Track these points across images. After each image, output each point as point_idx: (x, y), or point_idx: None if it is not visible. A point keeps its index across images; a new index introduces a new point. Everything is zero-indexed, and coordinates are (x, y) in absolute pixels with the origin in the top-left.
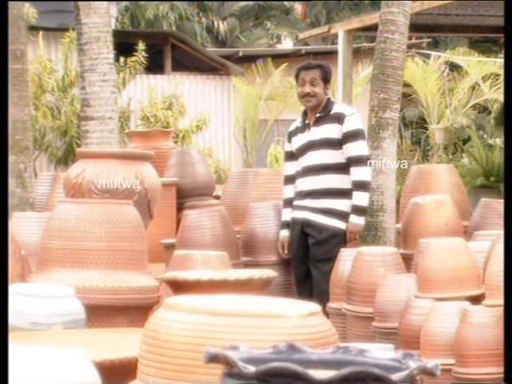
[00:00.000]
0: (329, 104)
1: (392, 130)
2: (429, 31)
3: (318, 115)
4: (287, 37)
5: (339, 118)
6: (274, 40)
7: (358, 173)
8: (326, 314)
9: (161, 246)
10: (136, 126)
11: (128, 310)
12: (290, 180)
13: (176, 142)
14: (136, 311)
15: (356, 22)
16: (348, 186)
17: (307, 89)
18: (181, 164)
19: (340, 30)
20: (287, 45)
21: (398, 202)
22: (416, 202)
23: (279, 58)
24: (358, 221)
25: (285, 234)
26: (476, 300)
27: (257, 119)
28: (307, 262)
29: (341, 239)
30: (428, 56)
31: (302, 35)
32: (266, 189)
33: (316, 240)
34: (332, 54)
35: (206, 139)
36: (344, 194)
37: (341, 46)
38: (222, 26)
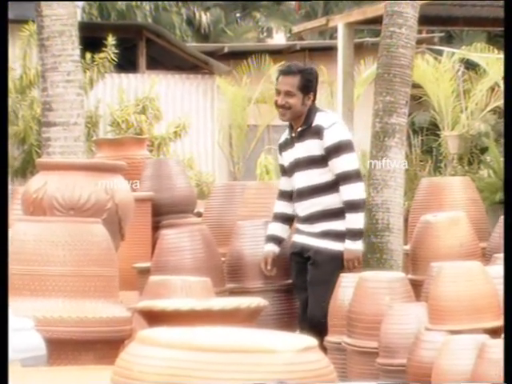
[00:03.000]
0: (310, 114)
1: (399, 138)
2: (441, 24)
3: (299, 129)
4: (279, 30)
5: (319, 132)
6: (265, 34)
7: (347, 191)
8: (324, 348)
9: (134, 271)
10: (105, 132)
11: (96, 345)
12: (282, 195)
13: (151, 151)
14: (105, 346)
15: (358, 14)
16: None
17: (281, 100)
18: (157, 176)
19: (339, 22)
20: (279, 39)
21: (406, 221)
22: (427, 220)
23: (270, 54)
24: (353, 246)
25: (270, 248)
26: (495, 333)
27: (245, 125)
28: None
29: (338, 262)
30: (440, 53)
31: (296, 28)
32: (255, 205)
33: (312, 261)
34: (330, 51)
35: (186, 148)
36: (341, 213)
37: (341, 42)
38: (205, 18)
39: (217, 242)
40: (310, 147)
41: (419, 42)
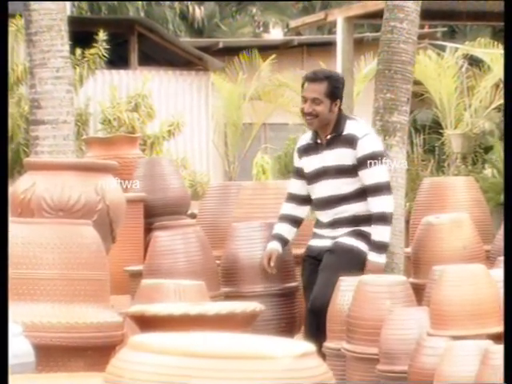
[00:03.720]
0: (341, 122)
1: (400, 137)
2: (444, 19)
3: (329, 136)
4: (276, 25)
5: (352, 141)
6: (261, 29)
7: (378, 203)
8: (323, 354)
9: (125, 275)
10: (96, 131)
11: (86, 351)
12: (292, 198)
13: (144, 150)
14: (96, 352)
15: (357, 8)
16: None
17: (308, 107)
18: (149, 176)
19: (339, 17)
20: (276, 34)
21: (407, 222)
22: (429, 221)
23: (267, 49)
24: (378, 259)
25: (274, 246)
26: (499, 338)
27: (240, 123)
28: None
29: (355, 257)
30: (443, 48)
31: (293, 23)
32: (251, 206)
33: (329, 251)
34: (329, 46)
35: (180, 147)
36: (367, 220)
37: (340, 37)
38: (199, 12)
39: (211, 244)
40: (340, 156)
41: (421, 37)
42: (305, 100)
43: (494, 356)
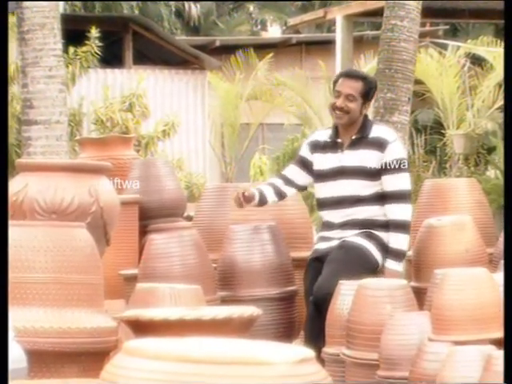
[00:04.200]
0: (367, 124)
1: (401, 137)
2: (446, 17)
3: (354, 137)
4: (274, 23)
5: (381, 145)
6: (259, 27)
7: (399, 211)
8: (322, 360)
9: (120, 278)
10: (89, 131)
11: (80, 357)
12: (282, 178)
13: (138, 151)
14: (89, 358)
15: (357, 6)
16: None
17: (341, 102)
18: (144, 178)
19: (338, 15)
20: (274, 32)
21: None
22: (431, 224)
23: (265, 48)
24: (396, 267)
25: (252, 189)
26: (502, 344)
27: (237, 123)
28: None
29: (364, 257)
30: (445, 47)
31: (292, 21)
32: (248, 208)
33: (337, 247)
34: (329, 44)
35: (176, 147)
36: (382, 225)
37: (339, 35)
38: (195, 10)
39: (208, 247)
40: (364, 158)
41: (422, 35)
42: (338, 95)
43: (496, 362)
